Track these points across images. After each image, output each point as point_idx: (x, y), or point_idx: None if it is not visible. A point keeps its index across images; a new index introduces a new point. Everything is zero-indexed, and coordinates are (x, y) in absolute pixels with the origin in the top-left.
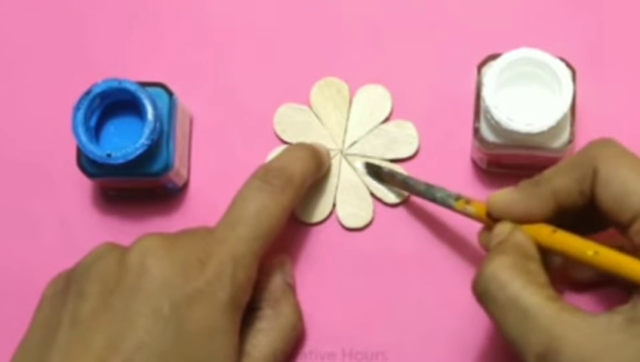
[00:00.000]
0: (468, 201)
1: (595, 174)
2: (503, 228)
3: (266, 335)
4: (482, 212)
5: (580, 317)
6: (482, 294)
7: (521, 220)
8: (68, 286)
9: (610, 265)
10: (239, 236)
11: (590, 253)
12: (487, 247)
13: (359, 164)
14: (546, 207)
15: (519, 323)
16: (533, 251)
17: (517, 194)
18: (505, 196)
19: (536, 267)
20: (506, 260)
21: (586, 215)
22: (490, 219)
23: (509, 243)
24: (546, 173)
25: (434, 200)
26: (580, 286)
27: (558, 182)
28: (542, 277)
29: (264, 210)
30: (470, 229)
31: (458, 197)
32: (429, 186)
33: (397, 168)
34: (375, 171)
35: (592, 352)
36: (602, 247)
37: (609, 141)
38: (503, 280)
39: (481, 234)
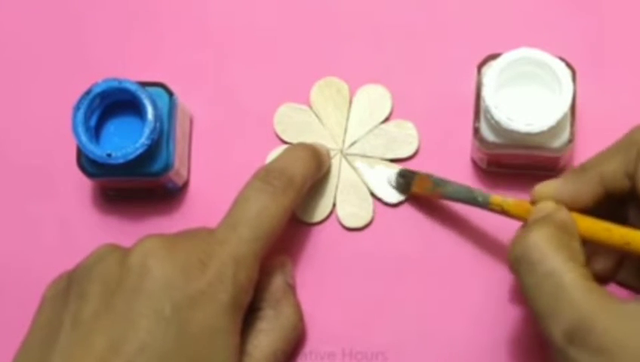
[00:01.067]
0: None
1: (638, 156)
2: (546, 205)
3: (266, 336)
4: (522, 205)
5: (612, 301)
6: (520, 261)
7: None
8: (69, 287)
9: None
10: (240, 237)
11: None
12: None
13: (393, 172)
14: (594, 193)
15: (553, 295)
16: (575, 230)
17: (564, 181)
18: (551, 185)
19: (577, 245)
20: (550, 232)
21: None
22: None
23: (553, 217)
24: (591, 159)
25: (472, 198)
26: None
27: (604, 166)
28: (581, 256)
29: (265, 210)
30: (470, 229)
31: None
32: (467, 188)
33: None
34: (406, 177)
35: (620, 336)
36: None
37: None
38: (544, 250)
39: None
